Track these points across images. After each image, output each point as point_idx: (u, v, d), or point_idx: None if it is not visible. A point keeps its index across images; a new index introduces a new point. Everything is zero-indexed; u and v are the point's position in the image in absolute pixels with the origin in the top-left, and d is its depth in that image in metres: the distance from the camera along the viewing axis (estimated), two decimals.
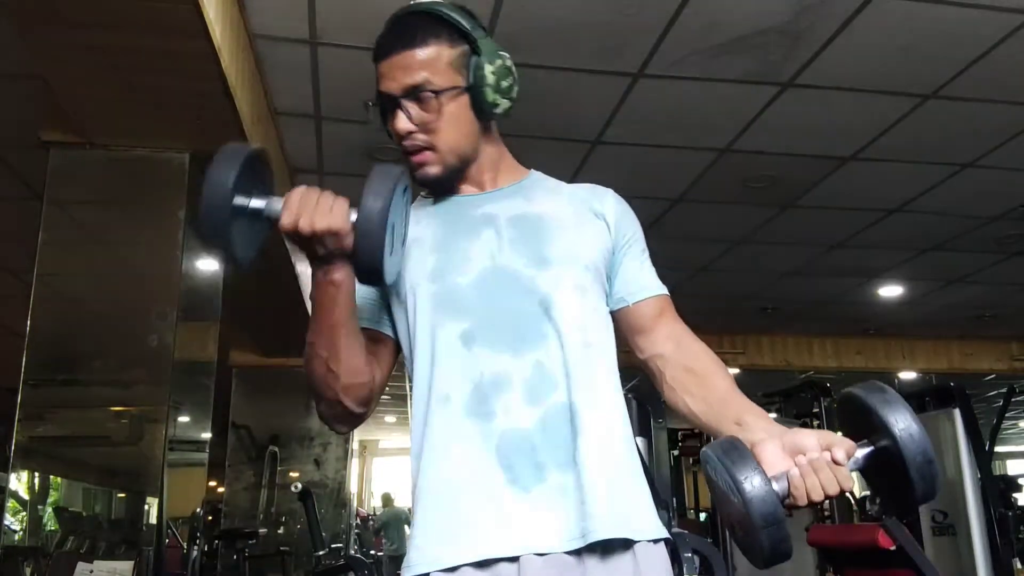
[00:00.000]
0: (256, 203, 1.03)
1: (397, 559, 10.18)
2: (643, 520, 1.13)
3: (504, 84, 1.24)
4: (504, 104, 1.24)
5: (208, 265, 4.23)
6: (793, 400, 6.41)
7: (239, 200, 1.00)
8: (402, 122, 1.21)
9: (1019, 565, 5.05)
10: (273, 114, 3.73)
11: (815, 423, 6.19)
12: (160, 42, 2.58)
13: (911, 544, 3.31)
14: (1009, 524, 4.92)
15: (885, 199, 4.84)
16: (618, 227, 1.28)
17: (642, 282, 1.28)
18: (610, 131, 3.94)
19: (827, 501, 1.04)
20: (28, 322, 3.16)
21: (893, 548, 3.27)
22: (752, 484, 0.95)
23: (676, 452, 7.24)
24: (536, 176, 1.34)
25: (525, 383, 1.13)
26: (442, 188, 1.26)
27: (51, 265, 3.25)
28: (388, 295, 1.25)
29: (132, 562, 3.02)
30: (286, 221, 1.04)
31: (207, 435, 4.55)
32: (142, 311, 3.30)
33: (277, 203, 1.05)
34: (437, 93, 1.20)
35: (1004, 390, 6.31)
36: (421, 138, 1.22)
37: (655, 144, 4.08)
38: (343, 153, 4.17)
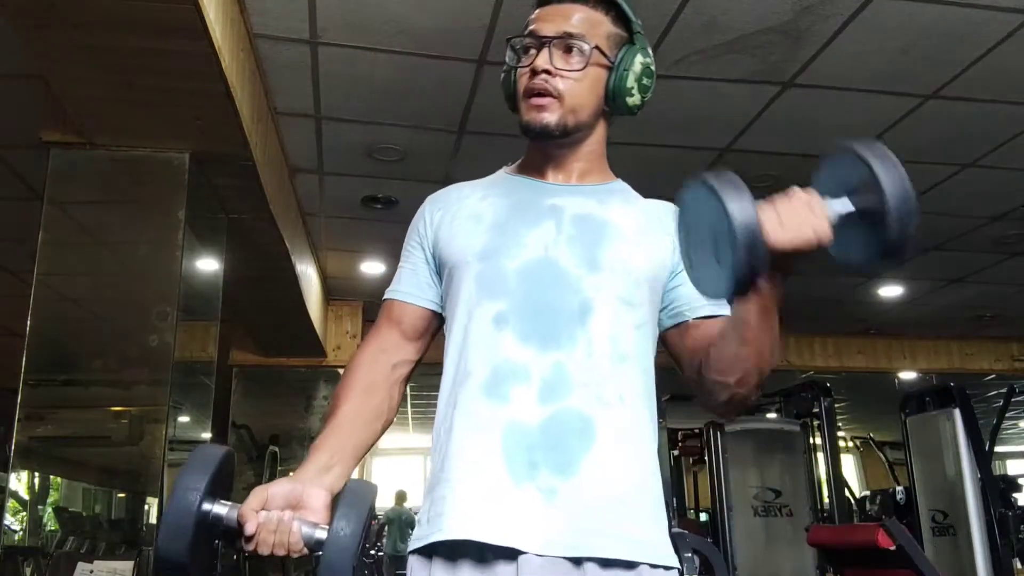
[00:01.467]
0: (219, 511, 1.03)
1: (397, 559, 10.18)
2: (650, 543, 1.11)
3: (646, 81, 1.24)
4: (637, 99, 1.24)
5: (208, 265, 4.24)
6: (793, 400, 6.42)
7: (205, 508, 1.00)
8: (542, 58, 1.19)
9: (1019, 565, 5.05)
10: (273, 114, 3.73)
11: (815, 423, 6.19)
12: (160, 42, 2.57)
13: (911, 544, 3.32)
14: (1009, 524, 4.92)
15: None
16: None
17: (705, 300, 1.21)
18: (609, 131, 3.94)
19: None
20: (28, 322, 3.15)
21: (893, 548, 3.27)
22: (742, 207, 0.91)
23: (676, 452, 7.25)
24: (619, 185, 1.32)
25: (543, 380, 1.12)
26: (541, 140, 1.23)
27: (51, 265, 3.25)
28: (439, 268, 1.26)
29: (132, 562, 3.01)
30: (247, 547, 1.05)
31: (207, 435, 4.55)
32: (142, 311, 3.30)
33: (235, 514, 1.05)
34: (590, 48, 1.19)
35: (1004, 390, 6.31)
36: (552, 83, 1.19)
37: (655, 144, 4.08)
38: (343, 153, 4.17)
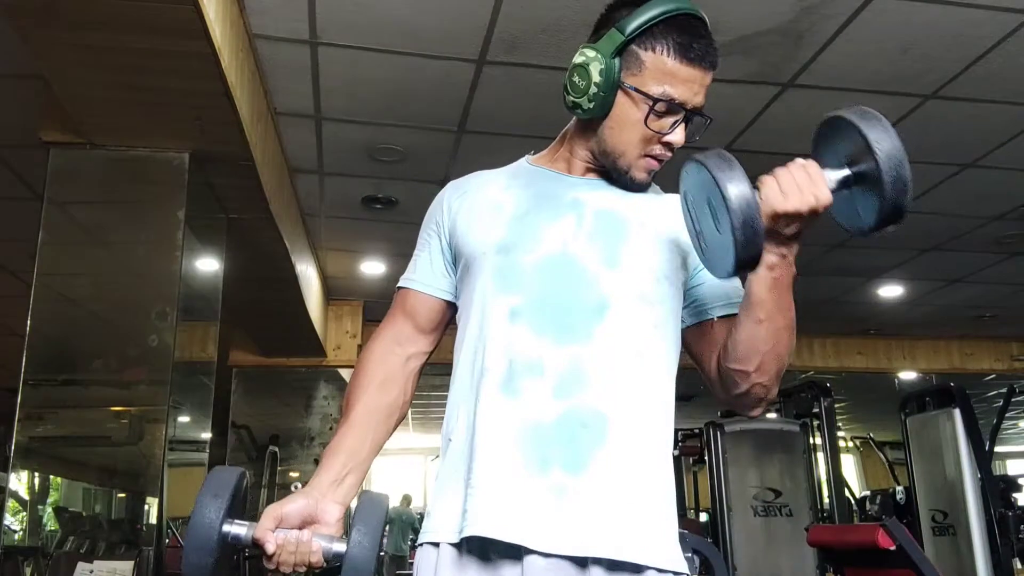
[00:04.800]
0: (238, 532, 1.06)
1: (398, 559, 10.19)
2: (658, 547, 1.09)
3: None
4: None
5: (208, 265, 4.24)
6: (793, 400, 6.42)
7: (224, 531, 1.04)
8: (679, 135, 1.20)
9: (1019, 565, 5.05)
10: (273, 114, 3.73)
11: (815, 423, 6.20)
12: (160, 42, 2.57)
13: (911, 544, 3.31)
14: (1009, 524, 4.92)
15: None
16: None
17: (728, 299, 1.22)
18: None
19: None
20: (28, 322, 3.15)
21: (893, 548, 3.27)
22: (738, 189, 0.95)
23: (676, 452, 7.25)
24: None
25: (557, 375, 1.11)
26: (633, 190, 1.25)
27: (51, 265, 3.24)
28: (455, 257, 1.26)
29: (132, 562, 3.02)
30: (269, 566, 1.08)
31: (207, 435, 4.55)
32: (142, 311, 3.30)
33: (251, 535, 1.08)
34: (705, 122, 1.22)
35: (1004, 390, 6.31)
36: (671, 154, 1.22)
37: None
38: (343, 153, 4.17)
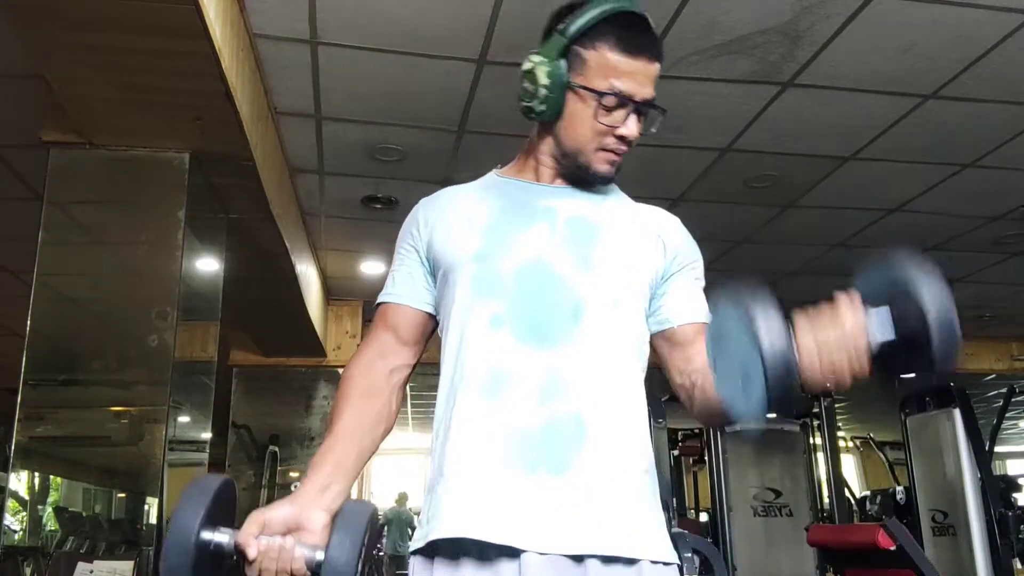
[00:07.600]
0: (220, 540, 1.03)
1: (397, 559, 10.19)
2: (648, 541, 1.12)
3: None
4: None
5: (208, 265, 4.24)
6: None
7: (204, 538, 1.00)
8: (633, 127, 1.21)
9: (1019, 565, 5.05)
10: (273, 114, 3.73)
11: (815, 423, 6.20)
12: (160, 42, 2.57)
13: (911, 544, 3.32)
14: (1009, 524, 4.92)
15: (885, 199, 4.84)
16: (676, 252, 1.27)
17: (691, 307, 1.25)
18: None
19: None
20: (28, 322, 3.15)
21: (893, 548, 3.27)
22: (777, 342, 0.89)
23: (676, 452, 7.25)
24: (610, 185, 1.32)
25: (539, 382, 1.13)
26: (598, 184, 1.27)
27: (51, 265, 3.24)
28: (433, 269, 1.27)
29: (132, 562, 3.01)
30: (250, 573, 1.05)
31: (207, 435, 4.55)
32: (142, 311, 3.29)
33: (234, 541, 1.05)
34: (659, 114, 1.23)
35: (1004, 390, 6.31)
36: (627, 147, 1.23)
37: (655, 144, 4.08)
38: (343, 153, 4.17)
